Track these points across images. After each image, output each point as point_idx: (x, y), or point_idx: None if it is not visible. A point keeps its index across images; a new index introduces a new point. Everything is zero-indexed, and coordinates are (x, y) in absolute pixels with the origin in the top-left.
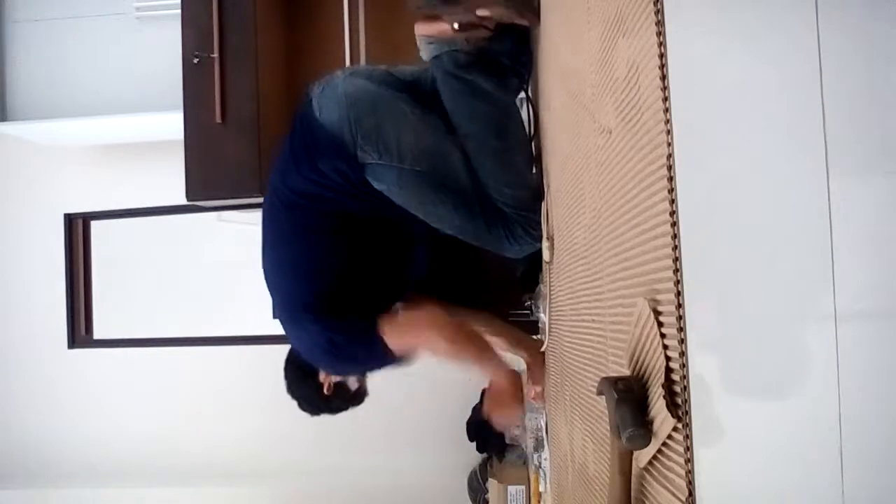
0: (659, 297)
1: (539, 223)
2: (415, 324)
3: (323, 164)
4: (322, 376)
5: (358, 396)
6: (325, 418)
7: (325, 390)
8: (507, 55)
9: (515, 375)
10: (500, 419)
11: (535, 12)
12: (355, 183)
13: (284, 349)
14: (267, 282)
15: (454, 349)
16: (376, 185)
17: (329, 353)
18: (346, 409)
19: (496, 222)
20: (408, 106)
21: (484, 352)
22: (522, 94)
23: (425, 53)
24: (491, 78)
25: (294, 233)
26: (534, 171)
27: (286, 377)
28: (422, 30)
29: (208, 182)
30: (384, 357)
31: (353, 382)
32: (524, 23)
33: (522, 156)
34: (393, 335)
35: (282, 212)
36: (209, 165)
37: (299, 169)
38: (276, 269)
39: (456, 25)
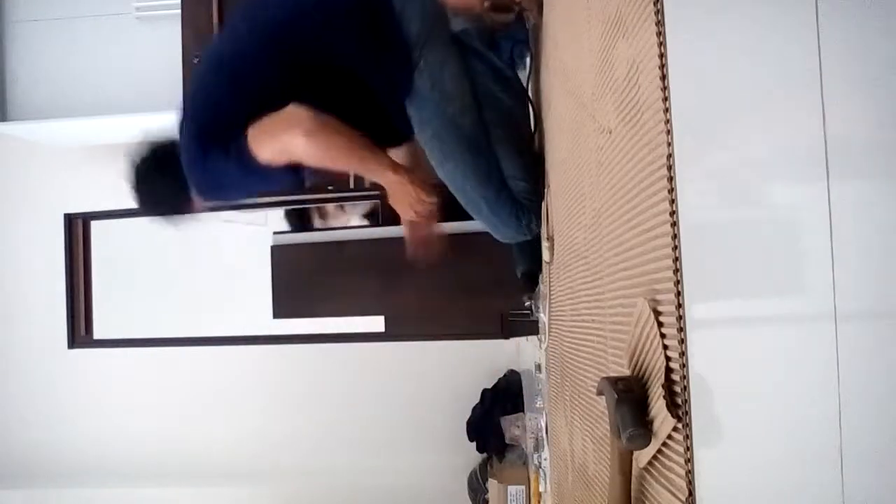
0: (659, 297)
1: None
2: (273, 123)
3: (383, 55)
4: (195, 203)
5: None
6: (326, 418)
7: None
8: (508, 56)
9: (407, 168)
10: (416, 243)
11: (540, 11)
12: (392, 89)
13: (284, 349)
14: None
15: (317, 144)
16: (410, 111)
17: (207, 178)
18: (168, 215)
19: (507, 202)
20: (464, 59)
21: (358, 147)
22: None
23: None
24: (509, 67)
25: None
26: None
27: (145, 161)
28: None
29: None
30: (260, 172)
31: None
32: (538, 18)
33: (531, 148)
34: (255, 142)
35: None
36: None
37: (347, 35)
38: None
39: (487, 3)
